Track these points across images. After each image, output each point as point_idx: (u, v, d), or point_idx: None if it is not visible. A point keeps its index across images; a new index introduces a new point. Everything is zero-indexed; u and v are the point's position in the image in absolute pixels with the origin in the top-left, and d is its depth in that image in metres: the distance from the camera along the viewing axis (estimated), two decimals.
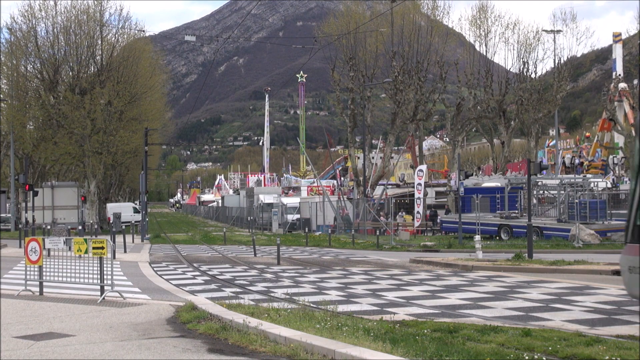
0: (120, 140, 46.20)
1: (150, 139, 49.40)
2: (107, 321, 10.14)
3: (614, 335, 8.75)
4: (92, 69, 48.63)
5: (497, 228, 30.52)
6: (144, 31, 58.21)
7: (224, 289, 15.16)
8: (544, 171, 34.11)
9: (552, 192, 32.64)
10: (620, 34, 60.76)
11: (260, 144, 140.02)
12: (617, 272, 14.23)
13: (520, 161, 54.46)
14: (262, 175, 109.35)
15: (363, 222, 38.73)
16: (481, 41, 45.06)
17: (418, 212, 37.54)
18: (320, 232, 41.88)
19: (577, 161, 57.41)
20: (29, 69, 49.32)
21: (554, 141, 60.02)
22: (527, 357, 7.25)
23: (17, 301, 12.46)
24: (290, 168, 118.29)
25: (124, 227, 35.39)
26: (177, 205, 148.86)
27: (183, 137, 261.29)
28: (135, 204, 61.93)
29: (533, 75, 45.93)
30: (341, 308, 11.39)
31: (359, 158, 49.22)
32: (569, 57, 46.02)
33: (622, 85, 53.04)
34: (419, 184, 37.57)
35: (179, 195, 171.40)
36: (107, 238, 13.16)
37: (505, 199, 32.73)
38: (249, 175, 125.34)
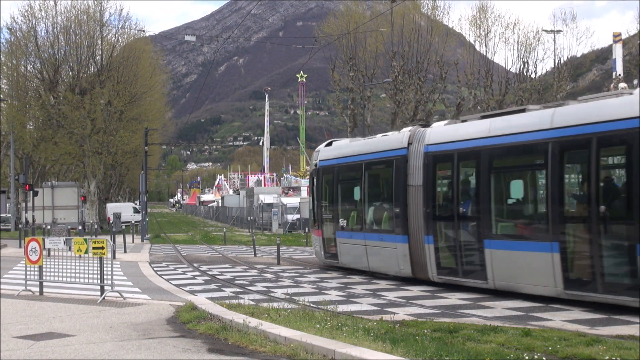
0: (120, 140, 46.16)
1: (150, 139, 49.37)
2: (107, 321, 10.14)
3: (614, 335, 8.75)
4: (92, 69, 48.58)
5: None
6: (144, 31, 58.26)
7: (224, 289, 15.16)
8: None
9: None
10: (620, 34, 60.69)
11: (260, 144, 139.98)
12: None
13: None
14: (262, 175, 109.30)
15: None
16: (481, 41, 45.00)
17: None
18: None
19: None
20: (29, 69, 49.28)
21: None
22: (527, 357, 7.25)
23: (17, 301, 12.46)
24: (290, 168, 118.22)
25: (124, 227, 35.34)
26: (177, 205, 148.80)
27: (183, 137, 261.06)
28: (135, 204, 61.89)
29: (533, 75, 45.87)
30: (341, 308, 11.39)
31: None
32: (569, 57, 45.94)
33: (622, 85, 52.74)
34: None
35: (179, 195, 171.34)
36: (107, 238, 13.17)
37: None
38: (249, 175, 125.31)
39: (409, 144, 15.56)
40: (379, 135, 18.68)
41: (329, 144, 20.14)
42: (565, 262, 11.44)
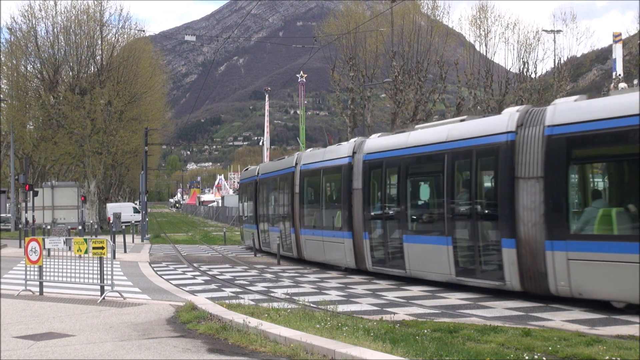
0: (120, 140, 46.13)
1: (150, 139, 49.35)
2: (107, 321, 10.14)
3: (614, 335, 8.76)
4: (92, 69, 48.51)
5: None
6: (144, 31, 58.14)
7: (224, 289, 15.16)
8: None
9: None
10: (620, 34, 60.70)
11: (260, 144, 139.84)
12: None
13: None
14: None
15: None
16: (481, 41, 44.99)
17: None
18: None
19: None
20: (29, 69, 49.21)
21: None
22: (527, 357, 7.25)
23: (17, 301, 12.46)
24: None
25: (124, 227, 35.31)
26: (177, 205, 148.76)
27: (183, 137, 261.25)
28: (135, 204, 61.86)
29: (533, 75, 45.86)
30: (341, 308, 11.39)
31: None
32: (569, 57, 45.93)
33: (622, 85, 52.70)
34: None
35: (179, 195, 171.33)
36: (107, 238, 13.17)
37: None
38: None
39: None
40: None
41: (246, 170, 31.70)
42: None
